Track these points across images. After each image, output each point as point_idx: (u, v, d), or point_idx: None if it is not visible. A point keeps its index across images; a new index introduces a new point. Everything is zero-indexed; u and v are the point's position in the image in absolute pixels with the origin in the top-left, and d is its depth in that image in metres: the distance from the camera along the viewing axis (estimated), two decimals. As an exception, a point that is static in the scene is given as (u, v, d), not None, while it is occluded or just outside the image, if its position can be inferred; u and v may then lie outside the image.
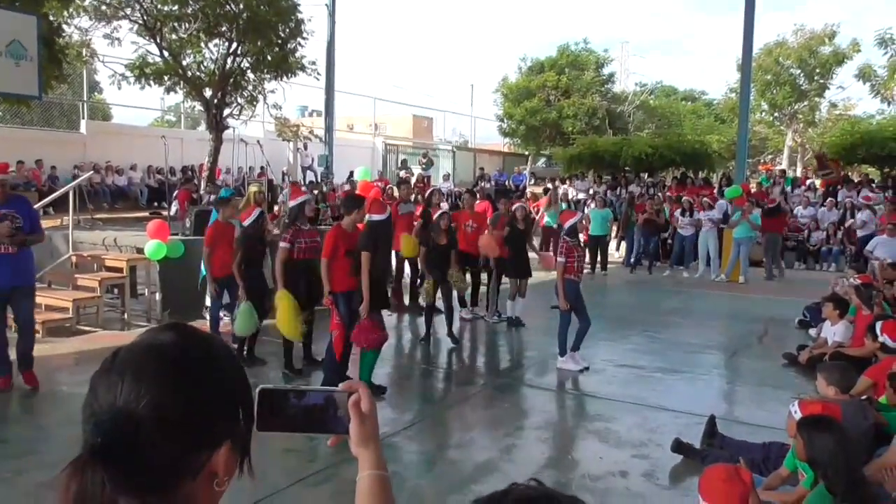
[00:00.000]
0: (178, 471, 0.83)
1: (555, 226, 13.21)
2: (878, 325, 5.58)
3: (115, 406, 0.82)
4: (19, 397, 5.75)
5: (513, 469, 4.41)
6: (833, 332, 6.81)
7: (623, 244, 15.56)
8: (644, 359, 7.26)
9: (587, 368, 6.67)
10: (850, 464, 2.94)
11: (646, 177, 20.65)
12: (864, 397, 4.35)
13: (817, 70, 26.82)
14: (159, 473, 0.81)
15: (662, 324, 9.06)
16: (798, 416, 3.31)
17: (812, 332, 8.09)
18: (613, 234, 15.56)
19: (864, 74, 24.73)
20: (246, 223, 6.63)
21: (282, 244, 6.13)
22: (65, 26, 13.11)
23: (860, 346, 6.17)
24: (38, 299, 8.21)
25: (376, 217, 5.82)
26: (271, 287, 6.51)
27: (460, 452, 4.77)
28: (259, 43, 14.08)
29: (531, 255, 8.95)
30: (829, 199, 16.01)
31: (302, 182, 18.75)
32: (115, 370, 0.85)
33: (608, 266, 13.89)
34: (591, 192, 18.73)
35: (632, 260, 14.33)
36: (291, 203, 6.50)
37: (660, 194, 16.56)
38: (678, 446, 4.55)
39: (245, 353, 6.59)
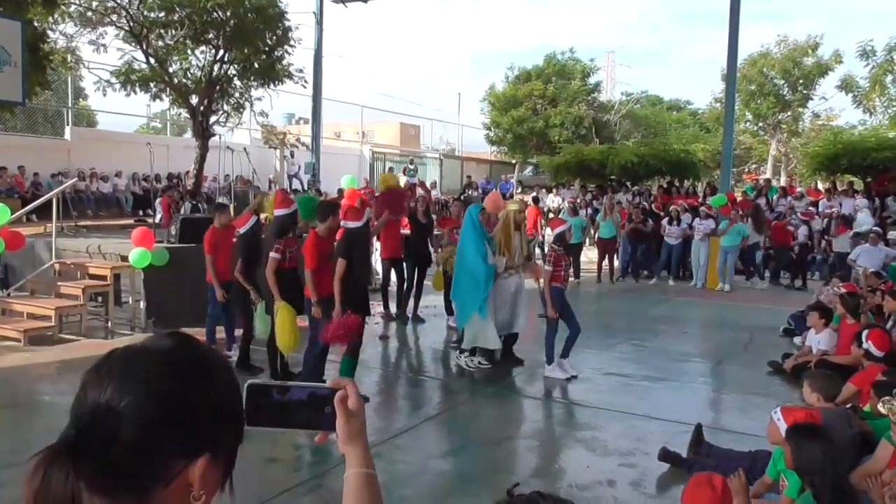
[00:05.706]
0: (150, 475, 0.83)
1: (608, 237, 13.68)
2: (865, 333, 5.62)
3: (97, 402, 0.82)
4: (-1, 407, 5.66)
5: (500, 478, 4.38)
6: (817, 340, 6.86)
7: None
8: (631, 367, 7.27)
9: (575, 377, 6.66)
10: (837, 472, 2.95)
11: (630, 185, 20.74)
12: (848, 406, 4.38)
13: (801, 81, 27.22)
14: (130, 475, 0.81)
15: (649, 332, 9.08)
16: (781, 422, 3.32)
17: (797, 340, 8.15)
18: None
19: (847, 85, 25.04)
20: (242, 230, 6.53)
21: (273, 254, 5.94)
22: (50, 32, 13.03)
23: (845, 354, 6.22)
24: (20, 308, 8.16)
25: (352, 224, 5.79)
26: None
27: (447, 462, 4.74)
28: (246, 50, 14.07)
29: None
30: (810, 208, 16.15)
31: (289, 190, 18.69)
32: (105, 369, 0.86)
33: (581, 275, 13.78)
34: (564, 200, 18.49)
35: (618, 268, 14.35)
36: (280, 213, 6.18)
37: (645, 203, 16.60)
38: (665, 455, 4.55)
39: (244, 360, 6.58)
